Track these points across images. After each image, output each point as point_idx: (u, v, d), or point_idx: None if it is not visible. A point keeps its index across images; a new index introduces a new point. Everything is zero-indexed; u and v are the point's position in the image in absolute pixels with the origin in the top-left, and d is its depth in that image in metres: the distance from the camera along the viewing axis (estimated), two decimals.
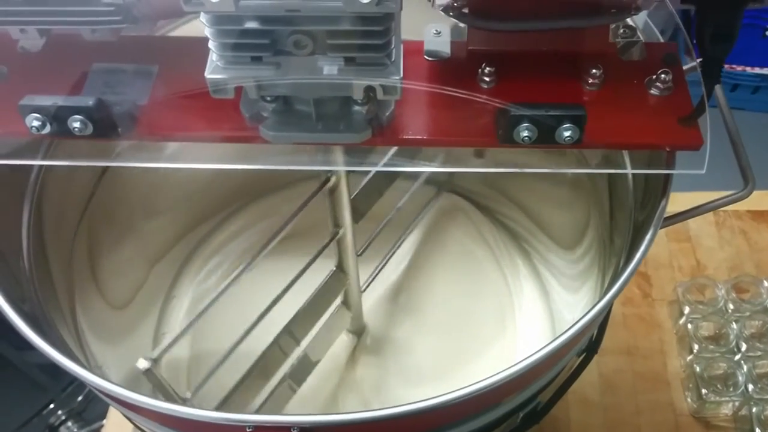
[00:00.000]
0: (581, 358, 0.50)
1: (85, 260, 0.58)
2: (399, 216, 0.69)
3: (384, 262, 0.68)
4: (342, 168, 0.48)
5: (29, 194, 0.51)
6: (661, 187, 0.43)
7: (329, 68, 0.37)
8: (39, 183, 0.52)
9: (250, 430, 0.34)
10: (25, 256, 0.49)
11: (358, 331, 0.71)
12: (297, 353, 0.61)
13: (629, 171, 0.47)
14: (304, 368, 0.64)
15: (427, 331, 0.72)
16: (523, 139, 0.39)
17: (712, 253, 0.87)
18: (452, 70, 0.45)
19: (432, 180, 0.77)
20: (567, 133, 0.38)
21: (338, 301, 0.65)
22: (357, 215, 0.57)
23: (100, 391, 0.40)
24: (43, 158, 0.48)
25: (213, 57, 0.38)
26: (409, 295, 0.74)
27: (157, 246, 0.72)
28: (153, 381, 0.45)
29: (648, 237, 0.40)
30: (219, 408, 0.48)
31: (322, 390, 0.69)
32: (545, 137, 0.39)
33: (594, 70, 0.43)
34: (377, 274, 0.67)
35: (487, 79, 0.43)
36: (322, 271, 0.61)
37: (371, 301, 0.73)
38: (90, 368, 0.41)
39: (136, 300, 0.67)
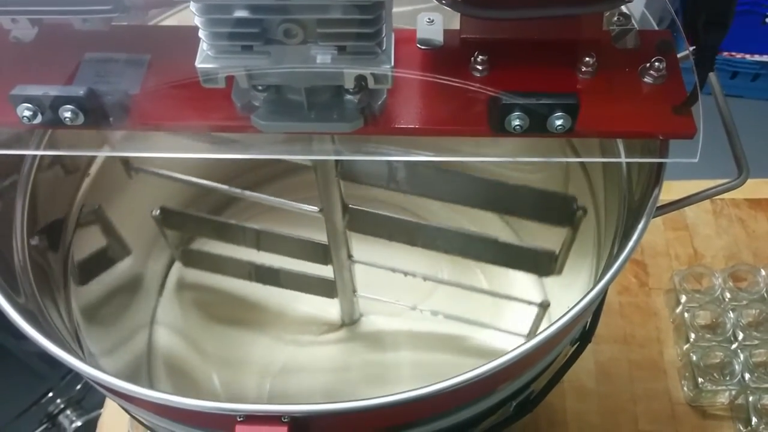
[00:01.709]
0: (575, 347, 0.50)
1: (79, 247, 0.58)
2: None
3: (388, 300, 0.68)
4: (333, 157, 0.48)
5: (23, 184, 0.51)
6: (654, 176, 0.42)
7: (320, 57, 0.37)
8: (33, 173, 0.51)
9: (241, 419, 0.34)
10: (19, 247, 0.48)
11: (351, 320, 0.72)
12: (256, 256, 0.66)
13: (623, 160, 0.47)
14: (267, 275, 0.69)
15: (421, 324, 0.72)
16: (514, 128, 0.38)
17: (709, 242, 0.87)
18: (445, 58, 0.44)
19: None
20: (559, 122, 0.38)
21: (325, 272, 0.66)
22: (352, 224, 0.58)
23: (95, 382, 0.40)
24: (37, 148, 0.48)
25: (203, 46, 0.38)
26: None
27: (152, 230, 0.72)
28: None
29: (640, 226, 0.40)
30: None
31: (309, 377, 0.70)
32: (537, 126, 0.39)
33: (587, 58, 0.43)
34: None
35: (479, 67, 0.43)
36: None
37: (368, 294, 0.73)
38: (84, 358, 0.41)
39: (132, 286, 0.67)
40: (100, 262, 0.62)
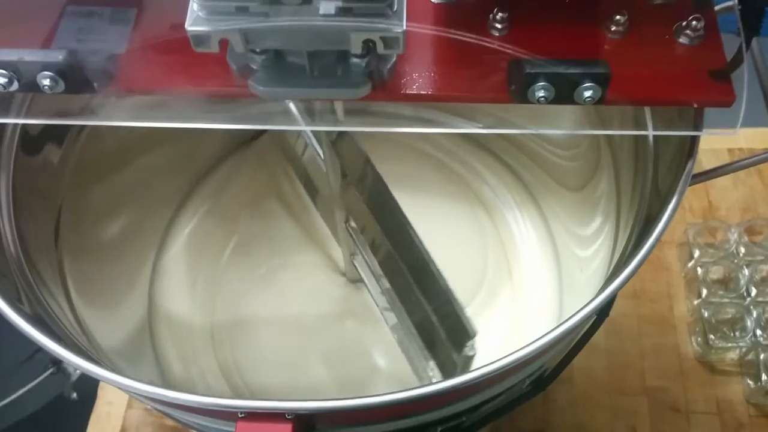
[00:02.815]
0: (591, 321, 0.48)
1: (71, 221, 0.55)
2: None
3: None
4: (341, 128, 0.44)
5: (5, 160, 0.47)
6: (687, 148, 0.39)
7: (323, 20, 0.33)
8: (15, 146, 0.48)
9: (243, 415, 0.32)
10: (8, 233, 0.45)
11: (352, 278, 0.70)
12: None
13: (650, 133, 0.43)
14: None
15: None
16: (538, 100, 0.35)
17: (725, 193, 0.84)
18: (460, 14, 0.40)
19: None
20: (588, 93, 0.34)
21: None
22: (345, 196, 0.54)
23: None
24: (18, 116, 0.44)
25: (194, 6, 0.34)
26: None
27: (147, 192, 0.69)
28: None
29: (671, 205, 0.37)
30: None
31: (308, 345, 0.68)
32: (563, 97, 0.35)
33: (618, 16, 0.39)
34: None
35: (498, 25, 0.39)
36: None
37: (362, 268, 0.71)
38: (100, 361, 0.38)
39: (128, 254, 0.64)
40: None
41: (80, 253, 0.54)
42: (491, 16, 0.39)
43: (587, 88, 0.34)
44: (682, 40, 0.39)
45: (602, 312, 0.46)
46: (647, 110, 0.44)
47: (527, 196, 0.73)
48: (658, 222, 0.36)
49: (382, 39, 0.34)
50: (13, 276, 0.44)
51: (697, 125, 0.39)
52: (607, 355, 0.75)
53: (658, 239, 0.35)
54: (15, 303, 0.38)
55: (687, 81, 0.38)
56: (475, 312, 0.67)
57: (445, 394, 0.32)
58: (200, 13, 0.34)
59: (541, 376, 0.45)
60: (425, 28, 0.40)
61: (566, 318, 0.34)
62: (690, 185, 0.40)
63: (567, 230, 0.68)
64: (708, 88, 0.38)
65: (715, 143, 0.85)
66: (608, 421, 0.72)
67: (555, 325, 0.34)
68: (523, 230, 0.73)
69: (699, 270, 0.76)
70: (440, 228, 0.71)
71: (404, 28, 0.34)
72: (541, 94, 0.35)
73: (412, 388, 0.32)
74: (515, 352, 0.33)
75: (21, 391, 0.83)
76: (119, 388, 0.36)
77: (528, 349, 0.33)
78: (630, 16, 0.39)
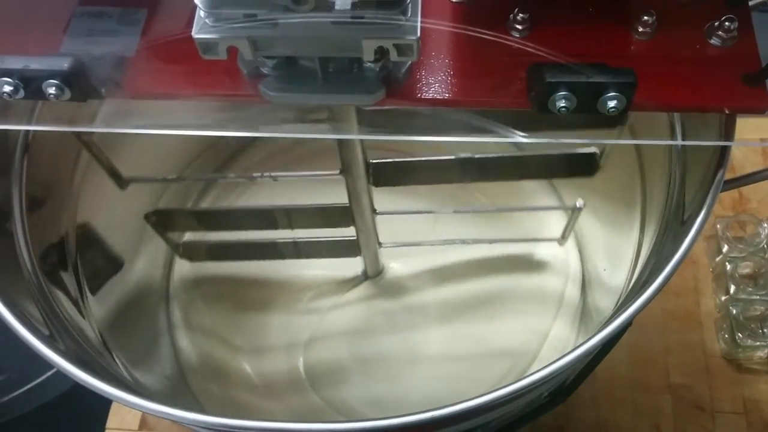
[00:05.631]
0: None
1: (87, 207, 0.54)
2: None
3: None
4: (354, 137, 0.43)
5: (17, 175, 0.46)
6: (717, 157, 0.37)
7: (333, 27, 0.32)
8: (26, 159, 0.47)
9: None
10: (17, 217, 0.45)
11: (374, 273, 0.69)
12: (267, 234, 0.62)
13: (678, 143, 0.41)
14: (285, 249, 0.66)
15: (447, 282, 0.69)
16: (559, 110, 0.33)
17: (756, 185, 0.80)
18: (480, 14, 0.39)
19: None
20: (612, 103, 0.33)
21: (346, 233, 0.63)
22: (377, 180, 0.52)
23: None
24: (29, 122, 0.43)
25: (200, 13, 0.33)
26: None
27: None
28: None
29: (698, 221, 0.35)
30: None
31: (328, 333, 0.68)
32: (585, 107, 0.33)
33: (645, 17, 0.37)
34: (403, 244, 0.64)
35: (519, 27, 0.37)
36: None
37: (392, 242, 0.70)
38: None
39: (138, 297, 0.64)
40: (100, 277, 0.57)
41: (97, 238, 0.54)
42: (511, 16, 0.37)
43: (611, 98, 0.33)
44: (714, 41, 0.37)
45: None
46: (677, 117, 0.42)
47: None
48: (686, 236, 0.34)
49: (396, 46, 0.33)
50: (25, 278, 0.44)
51: (729, 133, 0.37)
52: (630, 351, 0.73)
53: (685, 254, 0.34)
54: (27, 319, 0.38)
55: (718, 86, 0.36)
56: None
57: (455, 417, 0.31)
58: (207, 20, 0.33)
59: (561, 386, 0.43)
60: (442, 30, 0.39)
61: (592, 335, 0.33)
62: (721, 192, 0.39)
63: (591, 227, 0.66)
64: (741, 93, 0.36)
65: (746, 132, 0.82)
66: (630, 418, 0.71)
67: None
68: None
69: (728, 265, 0.74)
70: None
71: (418, 35, 0.32)
72: (562, 104, 0.33)
73: (423, 411, 0.31)
74: (534, 373, 0.31)
75: (43, 377, 0.84)
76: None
77: (548, 369, 0.32)
78: (658, 15, 0.37)
